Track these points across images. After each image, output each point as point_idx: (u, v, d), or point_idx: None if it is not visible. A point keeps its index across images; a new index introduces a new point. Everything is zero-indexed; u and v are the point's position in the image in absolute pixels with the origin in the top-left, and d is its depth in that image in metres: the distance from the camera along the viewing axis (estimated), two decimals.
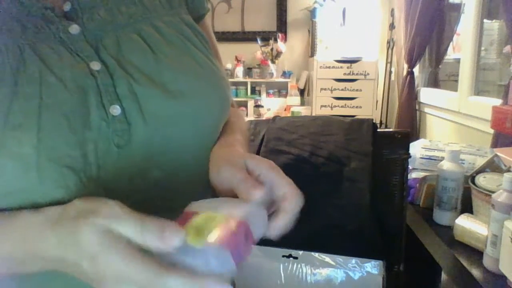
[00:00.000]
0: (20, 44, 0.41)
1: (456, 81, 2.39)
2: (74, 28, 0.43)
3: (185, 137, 0.46)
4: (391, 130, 2.66)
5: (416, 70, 2.96)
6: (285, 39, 3.70)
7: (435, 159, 1.18)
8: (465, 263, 0.86)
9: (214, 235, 0.35)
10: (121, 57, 0.44)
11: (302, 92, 3.77)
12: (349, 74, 3.24)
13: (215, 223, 0.36)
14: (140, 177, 0.44)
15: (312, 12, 3.48)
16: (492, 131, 1.75)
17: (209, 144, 0.50)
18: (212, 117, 0.50)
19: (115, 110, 0.42)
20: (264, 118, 2.55)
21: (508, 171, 1.03)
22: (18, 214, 0.39)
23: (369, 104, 3.26)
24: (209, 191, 0.49)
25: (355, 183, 1.02)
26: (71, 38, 0.43)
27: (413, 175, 1.16)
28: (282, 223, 0.41)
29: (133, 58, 0.45)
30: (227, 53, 3.57)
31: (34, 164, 0.38)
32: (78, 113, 0.41)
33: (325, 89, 3.27)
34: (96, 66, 0.43)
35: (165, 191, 0.46)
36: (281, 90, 3.81)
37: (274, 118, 1.20)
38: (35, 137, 0.38)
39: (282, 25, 3.78)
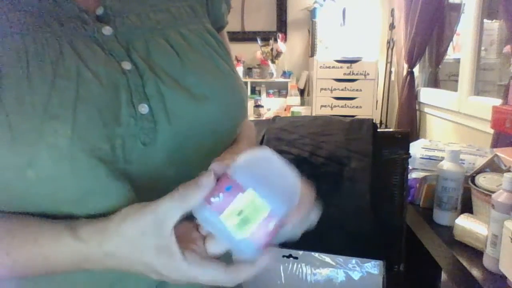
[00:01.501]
0: (59, 40, 0.43)
1: (456, 81, 2.39)
2: (107, 30, 0.46)
3: (203, 138, 0.49)
4: (391, 130, 2.66)
5: (416, 70, 2.96)
6: (285, 39, 3.70)
7: (435, 159, 1.18)
8: (465, 263, 0.86)
9: (252, 230, 0.37)
10: (149, 60, 0.47)
11: (302, 92, 3.77)
12: (349, 74, 3.24)
13: (258, 216, 0.38)
14: (157, 176, 0.46)
15: (312, 12, 3.48)
16: (492, 131, 1.75)
17: (223, 148, 0.52)
18: (230, 120, 0.52)
19: (144, 108, 0.44)
20: (264, 118, 2.56)
21: (508, 171, 1.03)
22: (77, 221, 0.42)
23: (369, 104, 3.26)
24: None
25: (355, 183, 1.02)
26: (104, 38, 0.46)
27: (413, 175, 1.16)
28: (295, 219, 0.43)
29: (161, 61, 0.47)
30: None
31: (67, 154, 0.40)
32: (110, 108, 0.43)
33: (325, 89, 3.27)
34: (127, 66, 0.45)
35: None
36: (281, 90, 3.81)
37: (274, 118, 1.20)
38: (70, 128, 0.40)
39: (282, 25, 3.78)
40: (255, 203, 0.38)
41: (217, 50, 0.54)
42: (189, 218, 0.40)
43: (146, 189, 0.44)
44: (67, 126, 0.40)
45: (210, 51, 0.52)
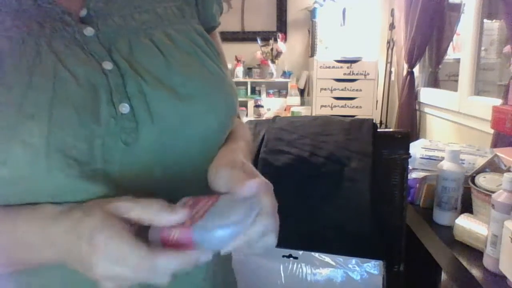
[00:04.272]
0: (37, 40, 0.43)
1: (456, 81, 2.39)
2: (89, 31, 0.46)
3: (190, 139, 0.48)
4: (391, 130, 2.66)
5: (416, 70, 2.96)
6: (285, 39, 3.70)
7: (435, 159, 1.18)
8: (465, 263, 0.86)
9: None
10: (132, 60, 0.47)
11: (302, 92, 3.77)
12: (349, 74, 3.23)
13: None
14: (144, 176, 0.46)
15: (312, 12, 3.48)
16: (492, 131, 1.75)
17: (212, 149, 0.51)
18: (218, 121, 0.51)
19: (124, 108, 0.44)
20: (264, 118, 2.56)
21: (508, 171, 1.03)
22: (40, 205, 0.42)
23: (369, 104, 3.26)
24: (210, 193, 0.50)
25: (355, 183, 1.02)
26: (86, 39, 0.46)
27: (413, 175, 1.16)
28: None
29: (144, 61, 0.47)
30: (227, 53, 3.49)
31: (43, 153, 0.40)
32: (88, 108, 0.42)
33: (325, 89, 3.27)
34: (108, 65, 0.45)
35: (166, 191, 0.47)
36: (281, 90, 3.81)
37: (274, 118, 1.20)
38: (45, 128, 0.40)
39: (282, 25, 3.78)
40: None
41: (205, 50, 0.53)
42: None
43: (132, 190, 0.44)
44: (43, 125, 0.40)
45: (197, 50, 0.52)
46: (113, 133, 0.43)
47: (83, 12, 0.47)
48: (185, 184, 0.49)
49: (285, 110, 3.65)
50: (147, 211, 0.39)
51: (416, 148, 1.24)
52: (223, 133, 0.54)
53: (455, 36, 2.67)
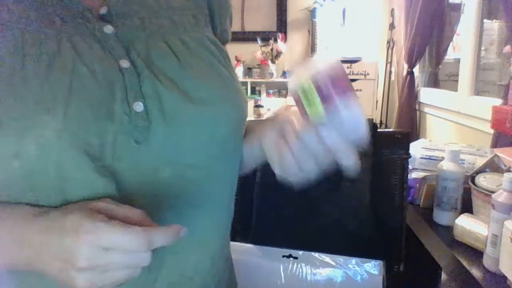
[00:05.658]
0: (58, 35, 0.44)
1: (456, 81, 2.39)
2: (109, 28, 0.47)
3: (200, 141, 0.49)
4: (391, 130, 2.66)
5: (416, 70, 2.96)
6: (285, 39, 3.70)
7: (435, 159, 1.18)
8: (465, 263, 0.86)
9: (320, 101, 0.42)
10: (149, 60, 0.48)
11: None
12: (349, 74, 3.23)
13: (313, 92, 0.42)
14: (152, 175, 0.46)
15: (312, 12, 3.48)
16: (492, 131, 1.75)
17: (221, 153, 0.52)
18: (227, 126, 0.52)
19: (138, 106, 0.45)
20: (264, 118, 2.55)
21: (508, 171, 1.03)
22: (15, 205, 0.42)
23: (369, 104, 3.26)
24: (217, 195, 0.53)
25: (355, 183, 1.02)
26: (105, 36, 0.46)
27: (413, 175, 1.16)
28: None
29: (160, 63, 0.48)
30: None
31: (55, 146, 0.40)
32: (103, 105, 0.43)
33: None
34: (125, 64, 0.46)
35: (174, 191, 0.48)
36: (281, 90, 3.81)
37: None
38: (60, 121, 0.41)
39: (282, 25, 3.78)
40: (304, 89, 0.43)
41: (218, 57, 0.55)
42: None
43: (137, 188, 0.45)
44: (57, 119, 0.41)
45: (211, 57, 0.53)
46: (125, 131, 0.44)
47: (104, 10, 0.47)
48: (193, 186, 0.50)
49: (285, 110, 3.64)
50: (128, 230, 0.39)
51: (416, 148, 1.24)
52: (232, 139, 0.54)
53: (455, 36, 2.67)
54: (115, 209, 0.40)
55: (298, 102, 0.45)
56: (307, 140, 0.44)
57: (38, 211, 0.41)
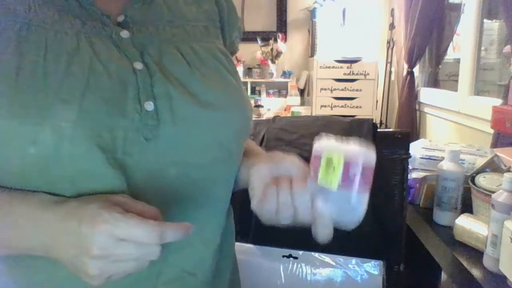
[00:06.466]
0: (78, 35, 0.48)
1: (456, 81, 2.39)
2: (125, 33, 0.50)
3: (205, 143, 0.51)
4: (391, 130, 2.66)
5: (416, 70, 2.96)
6: (285, 39, 3.70)
7: (435, 159, 1.18)
8: (465, 263, 0.86)
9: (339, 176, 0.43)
10: (161, 64, 0.51)
11: (302, 92, 3.76)
12: (349, 74, 3.23)
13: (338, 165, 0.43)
14: (158, 173, 0.49)
15: (312, 12, 3.48)
16: (492, 131, 1.75)
17: (224, 155, 0.54)
18: (232, 130, 0.55)
19: (149, 106, 0.47)
20: (264, 118, 2.55)
21: (508, 171, 1.03)
22: (34, 193, 0.45)
23: (369, 104, 3.26)
24: (219, 195, 0.56)
25: None
26: (121, 40, 0.50)
27: (413, 175, 1.16)
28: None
29: (172, 68, 0.51)
30: None
31: (68, 136, 0.43)
32: (116, 102, 0.46)
33: (325, 89, 3.27)
34: (138, 66, 0.49)
35: (178, 189, 0.50)
36: (281, 90, 3.81)
37: (274, 118, 1.20)
38: (75, 113, 0.43)
39: (282, 25, 3.78)
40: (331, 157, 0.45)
41: (226, 66, 0.58)
42: None
43: (143, 184, 0.47)
44: (73, 110, 0.43)
45: (219, 66, 0.56)
46: (136, 128, 0.46)
47: (121, 19, 0.51)
48: (196, 185, 0.52)
49: (285, 110, 3.65)
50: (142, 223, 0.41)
51: (416, 148, 1.24)
52: (236, 144, 0.57)
53: (455, 36, 2.67)
54: (132, 204, 0.42)
55: (315, 162, 0.46)
56: (298, 197, 0.47)
57: (57, 199, 0.44)
